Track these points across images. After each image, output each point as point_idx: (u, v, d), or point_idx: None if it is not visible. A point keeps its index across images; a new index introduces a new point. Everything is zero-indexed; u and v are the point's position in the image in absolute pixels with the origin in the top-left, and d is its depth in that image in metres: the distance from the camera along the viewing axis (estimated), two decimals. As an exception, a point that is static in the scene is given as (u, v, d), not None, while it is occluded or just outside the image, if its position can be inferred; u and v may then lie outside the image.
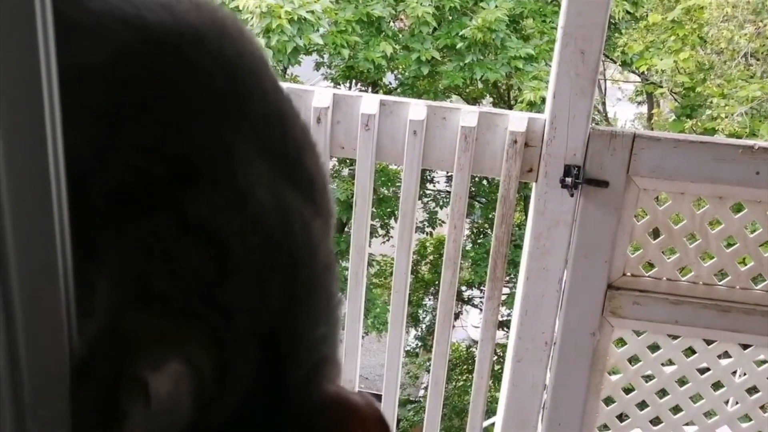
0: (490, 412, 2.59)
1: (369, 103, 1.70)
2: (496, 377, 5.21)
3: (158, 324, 0.44)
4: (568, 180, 1.63)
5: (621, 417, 1.88)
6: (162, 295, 0.45)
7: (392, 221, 7.83)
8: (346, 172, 6.89)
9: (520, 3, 6.69)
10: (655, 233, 1.73)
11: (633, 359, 1.80)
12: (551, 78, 1.66)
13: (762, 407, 1.78)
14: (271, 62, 0.59)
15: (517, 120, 1.67)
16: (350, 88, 8.29)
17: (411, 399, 8.27)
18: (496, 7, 6.09)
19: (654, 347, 1.78)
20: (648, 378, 1.82)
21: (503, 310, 6.00)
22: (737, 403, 1.81)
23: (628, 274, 1.71)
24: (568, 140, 1.64)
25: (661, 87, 7.15)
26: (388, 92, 7.60)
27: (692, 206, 1.66)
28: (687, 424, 1.85)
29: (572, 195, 1.65)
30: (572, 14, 1.58)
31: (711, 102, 6.09)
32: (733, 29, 5.73)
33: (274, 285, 0.47)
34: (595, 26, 1.57)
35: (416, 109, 1.69)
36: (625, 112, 11.00)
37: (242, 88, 0.51)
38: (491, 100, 8.80)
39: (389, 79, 7.22)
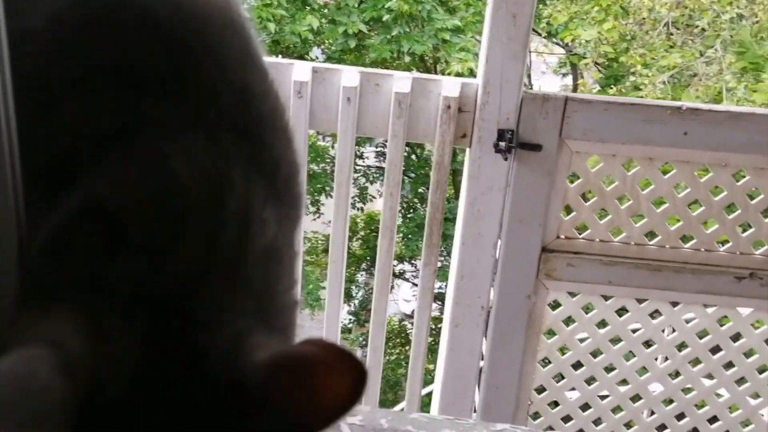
0: (425, 382, 2.60)
1: (301, 70, 1.64)
2: (430, 349, 5.26)
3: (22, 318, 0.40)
4: (502, 144, 1.63)
5: (557, 378, 1.91)
6: (45, 284, 0.41)
7: (323, 197, 7.77)
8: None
9: (446, -26, 6.69)
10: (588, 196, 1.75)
11: (568, 320, 1.83)
12: (483, 43, 1.65)
13: (690, 362, 1.83)
14: (254, 36, 0.53)
15: (450, 85, 1.65)
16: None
17: (345, 372, 8.27)
18: (423, -22, 6.07)
19: (588, 308, 1.81)
20: (582, 338, 1.85)
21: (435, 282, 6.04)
22: (667, 359, 1.86)
23: (562, 236, 1.73)
24: (501, 105, 1.63)
25: (585, 58, 7.30)
26: (316, 66, 7.49)
27: (623, 168, 1.69)
28: (620, 383, 1.89)
29: (506, 159, 1.65)
30: (503, -24, 1.56)
31: (634, 71, 6.25)
32: (654, -1, 5.89)
33: (179, 259, 0.43)
34: (526, -11, 1.56)
35: (349, 75, 1.65)
36: (550, 85, 11.21)
37: (188, 61, 0.47)
38: (418, 72, 8.81)
39: (316, 53, 7.11)
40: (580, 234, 1.74)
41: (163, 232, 0.43)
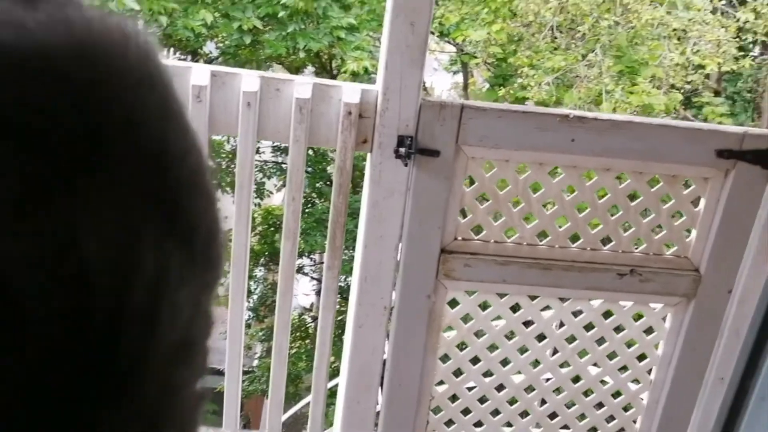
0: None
1: (199, 74, 1.62)
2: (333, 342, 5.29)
3: None
4: (402, 150, 1.67)
5: (456, 373, 1.98)
6: None
7: (219, 193, 7.60)
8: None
9: (341, -29, 6.71)
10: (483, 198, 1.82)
11: (466, 318, 1.90)
12: (382, 50, 1.68)
13: (578, 353, 1.95)
14: (172, 86, 0.47)
15: (350, 91, 1.68)
16: (168, 56, 7.87)
17: (245, 369, 8.20)
18: (319, -25, 6.06)
19: (484, 305, 1.89)
20: (480, 334, 1.93)
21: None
22: (557, 351, 1.97)
23: (460, 238, 1.80)
24: (400, 111, 1.67)
25: (476, 57, 7.53)
26: (209, 61, 7.32)
27: (516, 172, 1.77)
28: (515, 374, 1.99)
29: (406, 165, 1.69)
30: (401, -14, 1.60)
31: (522, 72, 6.51)
32: (539, 3, 6.15)
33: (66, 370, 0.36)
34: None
35: (249, 80, 1.64)
36: (441, 82, 11.48)
37: (94, 126, 0.41)
38: (314, 69, 8.78)
39: (210, 47, 6.95)
40: (476, 235, 1.81)
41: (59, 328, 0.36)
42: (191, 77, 1.61)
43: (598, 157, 1.77)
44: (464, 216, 1.82)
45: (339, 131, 1.67)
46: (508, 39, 6.62)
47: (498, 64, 7.77)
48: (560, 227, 1.82)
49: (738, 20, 6.20)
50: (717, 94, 7.97)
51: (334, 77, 8.06)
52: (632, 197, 1.84)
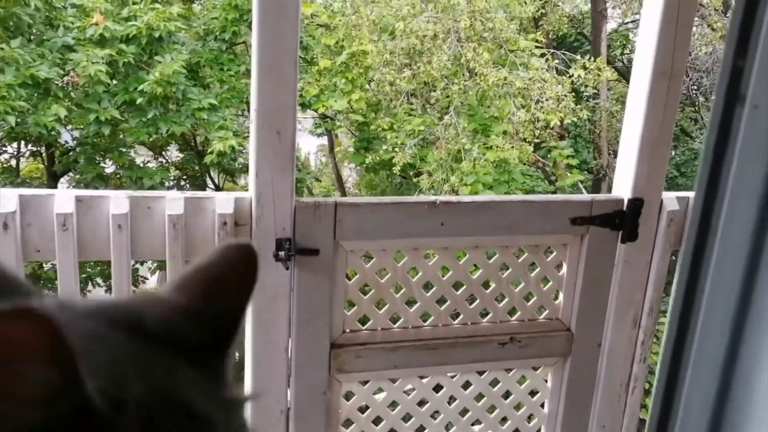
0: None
1: (63, 200, 1.57)
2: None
3: None
4: (281, 253, 1.70)
5: (359, 462, 1.99)
6: None
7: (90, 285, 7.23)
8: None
9: (195, 53, 6.69)
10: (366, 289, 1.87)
11: (362, 408, 1.93)
12: (251, 158, 1.71)
13: (473, 424, 2.02)
14: None
15: (223, 201, 1.69)
16: (19, 150, 7.49)
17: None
18: (173, 59, 6.01)
19: (379, 392, 1.92)
20: (378, 422, 1.95)
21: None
22: (452, 425, 2.03)
23: (348, 330, 1.83)
24: (275, 216, 1.70)
25: (340, 125, 7.72)
26: (65, 152, 7.02)
27: (394, 260, 1.84)
28: (416, 454, 2.02)
29: (287, 267, 1.71)
30: (264, 97, 1.65)
31: (385, 137, 6.75)
32: (394, 73, 6.44)
33: None
34: (287, 107, 1.66)
35: (118, 201, 1.62)
36: (307, 145, 11.63)
37: None
38: (177, 147, 8.65)
39: (66, 137, 6.68)
40: (363, 326, 1.85)
41: None
42: (54, 205, 1.57)
43: (467, 236, 1.88)
44: (350, 308, 1.86)
45: (216, 242, 1.67)
46: (368, 106, 6.85)
47: (361, 129, 8.00)
48: (441, 307, 1.90)
49: (571, 76, 6.78)
50: (562, 137, 8.61)
51: (201, 155, 7.98)
52: (502, 269, 1.95)
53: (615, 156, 10.55)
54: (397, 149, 6.42)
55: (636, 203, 1.95)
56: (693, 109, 10.01)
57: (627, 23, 11.93)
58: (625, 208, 1.94)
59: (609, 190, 10.13)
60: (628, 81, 9.33)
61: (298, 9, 1.63)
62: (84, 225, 1.60)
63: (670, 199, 1.99)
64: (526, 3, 6.66)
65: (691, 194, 2.05)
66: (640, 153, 1.91)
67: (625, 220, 1.95)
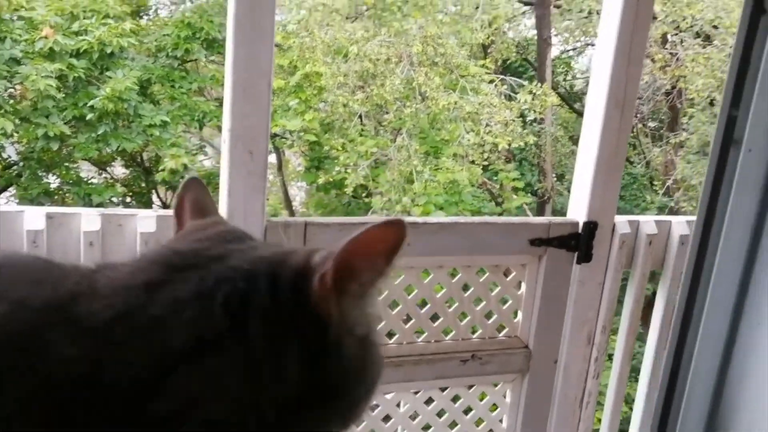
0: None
1: (33, 217, 1.57)
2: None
3: None
4: (253, 271, 1.72)
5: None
6: None
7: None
8: None
9: (147, 69, 6.64)
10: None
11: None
12: (223, 178, 1.74)
13: (435, 440, 2.07)
14: None
15: (196, 219, 1.71)
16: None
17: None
18: (125, 75, 5.95)
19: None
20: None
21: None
22: (416, 440, 2.08)
23: (315, 348, 1.86)
24: (247, 234, 1.72)
25: (291, 145, 7.75)
26: (8, 167, 6.82)
27: (360, 279, 1.88)
28: (378, 470, 2.06)
29: (258, 285, 1.74)
30: (238, 117, 1.68)
31: (336, 157, 6.81)
32: (347, 95, 6.52)
33: None
34: (260, 128, 1.70)
35: (89, 218, 1.62)
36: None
37: None
38: (122, 163, 8.52)
39: (9, 152, 6.50)
40: (330, 343, 1.88)
41: None
42: (24, 222, 1.56)
43: (432, 256, 1.94)
44: (316, 325, 1.88)
45: (187, 260, 1.68)
46: (321, 126, 6.90)
47: (312, 148, 8.05)
48: (406, 325, 1.95)
49: (519, 101, 7.00)
50: (508, 161, 8.83)
51: (148, 171, 7.87)
52: (465, 288, 2.02)
53: (558, 179, 10.89)
54: (349, 170, 6.48)
55: (590, 226, 2.05)
56: (632, 135, 10.44)
57: (569, 50, 12.36)
58: (580, 231, 2.04)
59: (553, 212, 10.43)
60: (570, 106, 9.71)
61: (273, 31, 1.68)
62: (55, 242, 1.59)
63: (622, 222, 2.10)
64: (476, 30, 6.86)
65: (641, 218, 2.17)
66: (595, 178, 2.02)
67: (580, 242, 2.05)
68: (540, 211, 9.88)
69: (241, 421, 0.54)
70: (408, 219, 1.88)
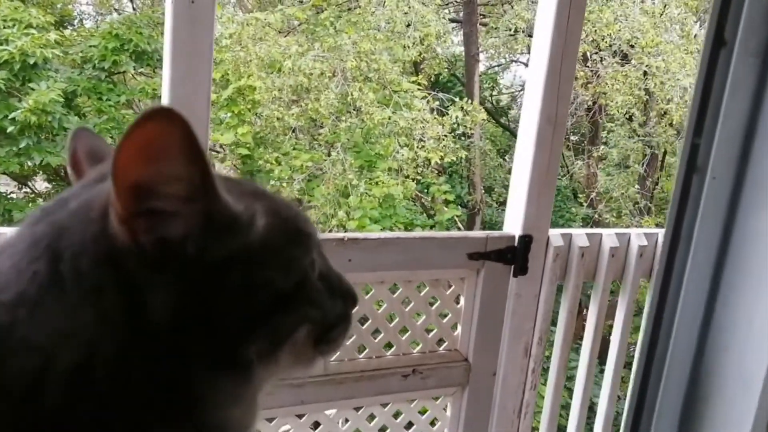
0: None
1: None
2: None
3: None
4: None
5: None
6: None
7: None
8: None
9: (72, 81, 6.43)
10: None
11: (269, 444, 1.92)
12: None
13: (377, 455, 2.07)
14: None
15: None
16: None
17: None
18: (48, 87, 5.74)
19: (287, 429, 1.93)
20: (284, 457, 1.96)
21: None
22: (357, 457, 2.07)
23: (255, 367, 1.83)
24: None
25: (223, 158, 7.63)
26: None
27: (301, 296, 1.87)
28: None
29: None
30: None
31: (270, 170, 6.75)
32: (282, 109, 6.48)
33: None
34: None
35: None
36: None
37: None
38: (45, 177, 8.22)
39: None
40: (271, 362, 1.86)
41: None
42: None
43: (373, 272, 1.95)
44: (256, 344, 1.86)
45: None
46: (254, 140, 6.83)
47: (244, 161, 7.96)
48: (347, 341, 1.95)
49: (450, 117, 7.12)
50: (440, 174, 8.97)
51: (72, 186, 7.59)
52: (405, 303, 2.04)
53: (487, 192, 11.11)
54: (284, 184, 6.44)
55: (526, 239, 2.10)
56: (559, 149, 10.73)
57: (495, 66, 12.66)
58: (516, 244, 2.09)
59: (482, 223, 10.59)
60: (497, 121, 9.93)
61: (212, 48, 1.66)
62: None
63: (556, 235, 2.16)
64: (408, 47, 6.96)
65: (573, 231, 2.24)
66: (529, 193, 2.07)
67: (516, 256, 2.10)
68: (470, 222, 10.05)
69: (102, 359, 0.52)
70: (348, 235, 1.89)
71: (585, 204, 9.75)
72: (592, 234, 2.24)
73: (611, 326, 2.38)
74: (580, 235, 2.21)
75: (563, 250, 2.17)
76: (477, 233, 2.14)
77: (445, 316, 2.10)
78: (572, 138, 11.03)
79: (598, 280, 2.25)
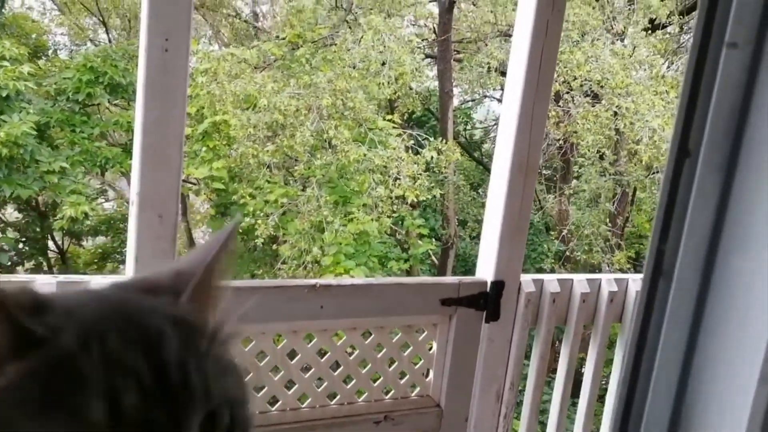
0: None
1: None
2: None
3: None
4: (161, 338, 1.67)
5: None
6: None
7: None
8: None
9: (45, 112, 6.39)
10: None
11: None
12: (130, 242, 1.69)
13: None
14: None
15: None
16: None
17: None
18: (21, 120, 5.69)
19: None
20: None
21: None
22: (327, 506, 2.04)
23: (225, 415, 1.81)
24: (155, 299, 1.67)
25: (198, 191, 7.61)
26: None
27: (273, 342, 1.86)
28: None
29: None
30: (146, 181, 1.64)
31: (246, 205, 6.73)
32: (257, 146, 6.49)
33: None
34: (171, 191, 1.66)
35: (43, 285, 1.53)
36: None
37: None
38: (15, 207, 8.10)
39: None
40: (241, 410, 1.84)
41: None
42: None
43: (345, 318, 1.94)
44: (226, 391, 1.84)
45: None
46: (229, 175, 6.82)
47: (219, 194, 7.94)
48: (318, 388, 1.93)
49: (426, 157, 7.20)
50: (414, 207, 9.01)
51: (44, 216, 7.51)
52: (378, 349, 2.03)
53: (461, 225, 11.18)
54: (259, 221, 6.42)
55: (498, 285, 2.11)
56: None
57: (468, 101, 12.84)
58: (488, 290, 2.10)
59: (456, 257, 10.58)
60: (471, 155, 10.03)
61: (185, 96, 1.67)
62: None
63: (528, 281, 2.17)
64: (383, 86, 7.04)
65: (545, 276, 2.26)
66: (501, 239, 2.09)
67: (488, 302, 2.10)
68: (444, 256, 10.09)
69: None
70: (322, 281, 1.88)
71: (557, 239, 9.84)
72: (563, 279, 2.26)
73: (584, 358, 2.39)
74: (551, 280, 2.23)
75: (535, 296, 2.18)
76: (449, 279, 2.15)
77: (418, 361, 2.10)
78: (545, 172, 11.16)
79: (570, 325, 2.27)
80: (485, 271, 2.13)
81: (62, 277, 1.65)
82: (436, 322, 2.07)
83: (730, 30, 0.59)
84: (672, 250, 0.62)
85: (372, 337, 2.00)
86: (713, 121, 0.62)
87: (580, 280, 2.27)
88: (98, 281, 1.67)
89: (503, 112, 2.11)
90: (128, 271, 1.67)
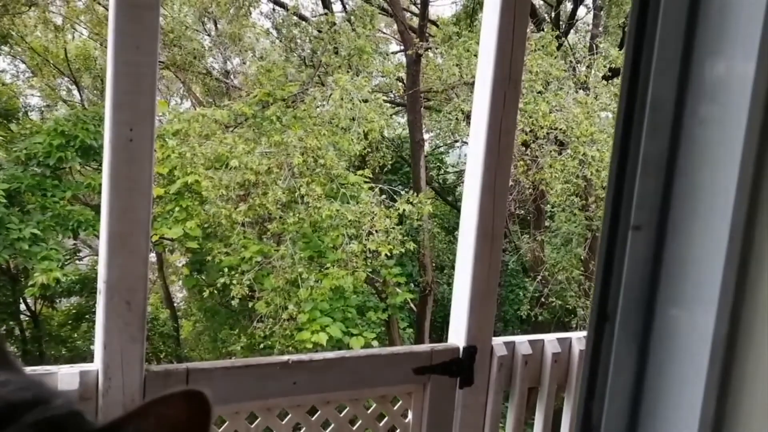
0: None
1: None
2: None
3: None
4: (130, 428, 1.65)
5: None
6: None
7: None
8: None
9: (16, 178, 6.35)
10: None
11: None
12: (98, 329, 1.68)
13: None
14: None
15: (67, 377, 1.63)
16: None
17: None
18: (-10, 186, 5.66)
19: None
20: None
21: None
22: None
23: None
24: (124, 387, 1.66)
25: (172, 250, 7.57)
26: None
27: (246, 422, 1.85)
28: None
29: (137, 441, 1.66)
30: (113, 268, 1.65)
31: (220, 262, 6.70)
32: (230, 207, 6.50)
33: None
34: (138, 278, 1.67)
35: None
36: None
37: None
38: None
39: None
40: (215, 494, 1.81)
41: None
42: None
43: (319, 393, 1.94)
44: (200, 475, 1.81)
45: (59, 421, 1.59)
46: (203, 234, 6.81)
47: (193, 252, 7.90)
48: (294, 466, 1.92)
49: (398, 210, 7.26)
50: (390, 257, 9.04)
51: (15, 280, 7.40)
52: (353, 422, 2.02)
53: (438, 270, 11.20)
54: (234, 281, 6.39)
55: (470, 350, 2.13)
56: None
57: (440, 146, 13.00)
58: (461, 356, 2.11)
59: (434, 302, 10.56)
60: (444, 200, 10.11)
61: (151, 184, 1.68)
62: None
63: (499, 344, 2.19)
64: (353, 142, 7.13)
65: (516, 338, 2.28)
66: (471, 305, 2.11)
67: (461, 367, 2.12)
68: (422, 303, 10.08)
69: None
70: (294, 357, 1.89)
71: (535, 280, 9.89)
72: (534, 341, 2.28)
73: (563, 398, 2.38)
74: (522, 342, 2.25)
75: (507, 359, 2.20)
76: (421, 347, 2.16)
77: (393, 431, 2.09)
78: (519, 212, 11.24)
79: (543, 386, 2.28)
80: (457, 337, 2.15)
81: (28, 369, 1.63)
82: (410, 391, 2.08)
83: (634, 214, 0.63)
84: (599, 405, 0.65)
85: (347, 409, 1.99)
86: (626, 286, 0.65)
87: (550, 340, 2.29)
88: (66, 371, 1.65)
89: (466, 183, 2.15)
90: (97, 360, 1.67)
